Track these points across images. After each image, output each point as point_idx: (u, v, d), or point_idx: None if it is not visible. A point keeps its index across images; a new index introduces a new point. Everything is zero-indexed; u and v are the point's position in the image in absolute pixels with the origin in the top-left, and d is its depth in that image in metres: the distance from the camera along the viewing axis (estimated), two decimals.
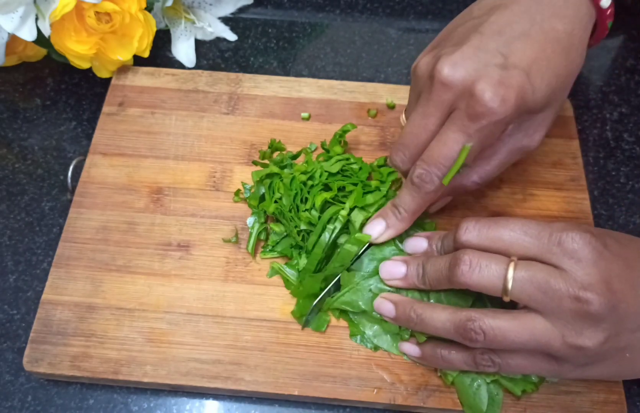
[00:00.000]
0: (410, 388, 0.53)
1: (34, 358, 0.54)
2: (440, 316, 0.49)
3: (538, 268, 0.45)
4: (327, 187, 0.60)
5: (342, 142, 0.65)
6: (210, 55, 0.77)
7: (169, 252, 0.60)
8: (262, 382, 0.53)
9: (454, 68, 0.48)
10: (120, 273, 0.58)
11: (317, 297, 0.55)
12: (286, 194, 0.59)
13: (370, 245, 0.56)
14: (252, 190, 0.62)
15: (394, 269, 0.54)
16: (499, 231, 0.47)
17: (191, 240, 0.60)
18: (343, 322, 0.56)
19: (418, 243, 0.54)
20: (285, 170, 0.62)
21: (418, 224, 0.58)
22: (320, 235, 0.57)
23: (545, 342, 0.45)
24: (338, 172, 0.61)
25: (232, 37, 0.78)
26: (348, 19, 0.81)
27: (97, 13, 0.65)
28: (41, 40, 0.66)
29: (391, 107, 0.69)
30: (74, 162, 0.64)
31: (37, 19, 0.65)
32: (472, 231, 0.48)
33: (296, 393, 0.53)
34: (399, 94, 0.70)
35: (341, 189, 0.60)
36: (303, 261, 0.58)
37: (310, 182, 0.60)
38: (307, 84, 0.70)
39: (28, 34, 0.64)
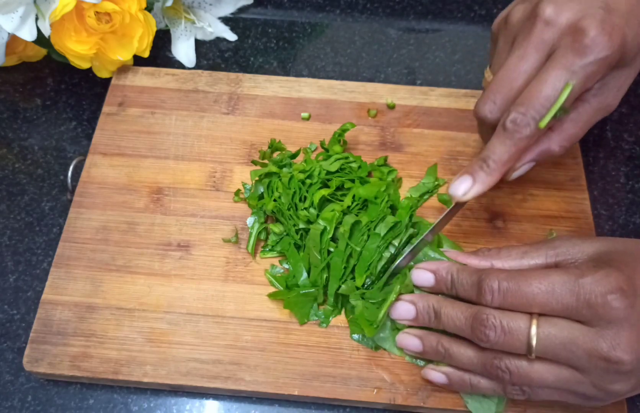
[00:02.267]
0: (410, 388, 0.53)
1: (34, 358, 0.54)
2: (468, 352, 0.48)
3: (563, 326, 0.44)
4: (325, 186, 0.60)
5: (342, 141, 0.65)
6: (210, 55, 0.77)
7: (169, 252, 0.60)
8: (262, 382, 0.53)
9: (559, 7, 0.48)
10: (120, 273, 0.58)
11: None
12: (285, 193, 0.59)
13: None
14: (252, 190, 0.62)
15: (402, 310, 0.53)
16: (522, 295, 0.45)
17: (191, 240, 0.60)
18: (343, 322, 0.56)
19: (425, 277, 0.52)
20: (284, 170, 0.62)
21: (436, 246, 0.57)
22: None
23: (573, 387, 0.45)
24: (337, 171, 0.61)
25: (232, 37, 0.78)
26: (348, 19, 0.81)
27: (97, 13, 0.65)
28: (41, 40, 0.66)
29: (391, 107, 0.69)
30: (74, 162, 0.64)
31: (37, 19, 0.65)
32: (495, 297, 0.46)
33: (296, 393, 0.53)
34: (398, 94, 0.70)
35: (340, 187, 0.60)
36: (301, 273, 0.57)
37: (308, 181, 0.60)
38: (307, 84, 0.70)
39: (28, 34, 0.64)
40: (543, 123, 0.48)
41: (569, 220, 0.61)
